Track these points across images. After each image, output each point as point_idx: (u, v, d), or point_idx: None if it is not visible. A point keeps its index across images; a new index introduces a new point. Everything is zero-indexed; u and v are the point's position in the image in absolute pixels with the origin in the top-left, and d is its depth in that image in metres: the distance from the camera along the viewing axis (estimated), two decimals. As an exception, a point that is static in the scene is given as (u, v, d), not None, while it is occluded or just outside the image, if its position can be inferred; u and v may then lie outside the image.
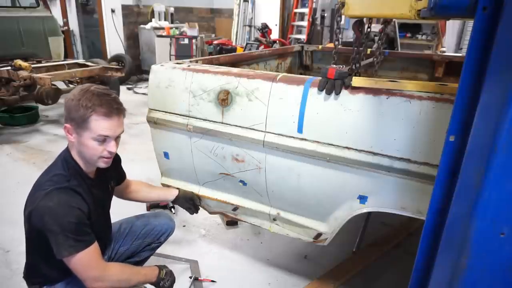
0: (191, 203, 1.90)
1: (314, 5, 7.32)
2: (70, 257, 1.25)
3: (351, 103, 1.37)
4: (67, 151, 1.40)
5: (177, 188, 1.92)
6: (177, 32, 7.05)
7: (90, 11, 7.75)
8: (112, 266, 1.40)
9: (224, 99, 1.62)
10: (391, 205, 1.42)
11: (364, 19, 1.74)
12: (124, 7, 7.27)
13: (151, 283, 1.54)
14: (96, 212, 1.44)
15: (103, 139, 1.33)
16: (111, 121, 1.33)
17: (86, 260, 1.28)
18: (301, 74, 3.11)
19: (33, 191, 1.33)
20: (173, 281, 1.61)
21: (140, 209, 2.40)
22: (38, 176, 1.41)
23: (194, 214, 1.95)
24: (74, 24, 7.51)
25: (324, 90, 1.41)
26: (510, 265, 0.76)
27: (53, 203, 1.24)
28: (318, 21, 7.31)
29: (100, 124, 1.31)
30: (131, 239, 1.76)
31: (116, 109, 1.34)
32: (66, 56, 6.04)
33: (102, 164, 1.39)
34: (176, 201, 1.89)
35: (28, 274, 1.47)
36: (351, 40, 4.85)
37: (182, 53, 6.34)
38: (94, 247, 1.31)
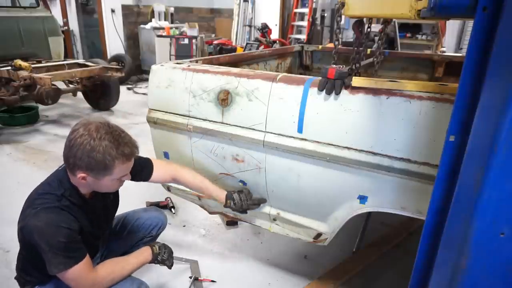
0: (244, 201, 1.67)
1: (314, 5, 7.31)
2: (61, 274, 1.27)
3: (351, 103, 1.37)
4: (65, 174, 1.37)
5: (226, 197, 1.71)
6: (177, 32, 7.04)
7: (90, 11, 7.74)
8: (101, 270, 1.38)
9: (224, 99, 1.62)
10: (391, 205, 1.42)
11: (364, 19, 1.74)
12: (124, 7, 7.27)
13: (150, 262, 1.54)
14: (96, 224, 1.48)
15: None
16: (131, 162, 1.36)
17: (76, 275, 1.29)
18: (301, 74, 3.11)
19: (25, 207, 1.32)
20: (170, 251, 1.61)
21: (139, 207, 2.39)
22: (38, 176, 1.41)
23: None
24: (74, 24, 7.51)
25: (324, 90, 1.41)
26: (510, 265, 0.76)
27: (42, 223, 1.24)
28: (318, 21, 7.30)
29: (122, 169, 1.33)
30: (122, 234, 1.76)
31: (135, 150, 1.35)
32: (66, 56, 6.04)
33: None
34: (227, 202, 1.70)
35: (20, 277, 1.49)
36: (351, 40, 4.86)
37: (182, 53, 6.34)
38: (85, 261, 1.31)
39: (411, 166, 1.31)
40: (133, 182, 1.58)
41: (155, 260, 1.55)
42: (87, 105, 5.49)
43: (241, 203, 1.67)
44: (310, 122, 1.46)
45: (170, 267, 1.62)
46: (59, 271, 1.26)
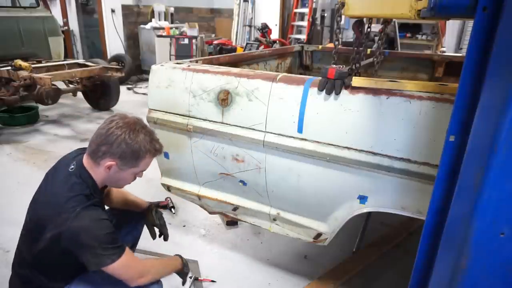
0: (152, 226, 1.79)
1: (314, 5, 7.31)
2: (113, 264, 1.30)
3: (351, 103, 1.37)
4: (83, 170, 1.38)
5: (149, 206, 1.81)
6: (177, 32, 7.04)
7: (90, 11, 7.74)
8: (146, 261, 1.49)
9: (224, 99, 1.62)
10: (391, 205, 1.42)
11: (364, 19, 1.74)
12: (124, 7, 7.26)
13: (177, 271, 1.61)
14: None
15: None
16: (153, 159, 1.44)
17: (126, 262, 1.34)
18: (301, 74, 3.11)
19: (55, 213, 1.30)
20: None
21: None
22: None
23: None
24: (74, 24, 7.51)
25: (324, 90, 1.41)
26: (510, 265, 0.76)
27: (86, 221, 1.28)
28: (318, 21, 7.30)
29: (148, 163, 1.42)
30: None
31: (162, 148, 1.45)
32: (66, 56, 6.03)
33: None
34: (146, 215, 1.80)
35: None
36: (351, 40, 4.86)
37: (182, 53, 6.34)
38: (128, 249, 1.37)
39: (411, 166, 1.31)
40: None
41: (182, 270, 1.62)
42: (87, 105, 5.49)
43: (161, 214, 1.81)
44: (310, 122, 1.46)
45: (184, 283, 1.68)
46: (112, 261, 1.29)
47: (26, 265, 1.42)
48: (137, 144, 1.33)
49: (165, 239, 1.80)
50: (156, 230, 1.81)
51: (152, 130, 1.45)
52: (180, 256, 1.65)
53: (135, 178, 1.47)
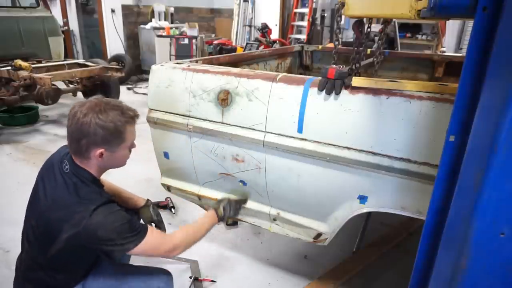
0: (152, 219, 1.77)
1: (314, 5, 7.31)
2: (136, 248, 1.31)
3: (351, 103, 1.37)
4: (78, 168, 1.36)
5: (146, 203, 1.79)
6: (177, 32, 7.04)
7: (90, 11, 7.74)
8: (178, 233, 1.49)
9: (224, 99, 1.62)
10: (391, 205, 1.42)
11: (364, 19, 1.74)
12: (124, 7, 7.26)
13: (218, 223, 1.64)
14: None
15: (132, 144, 1.42)
16: (135, 126, 1.42)
17: (152, 242, 1.35)
18: (301, 74, 3.11)
19: (68, 214, 1.29)
20: (236, 206, 1.73)
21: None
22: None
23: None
24: (74, 24, 7.51)
25: (324, 90, 1.41)
26: (510, 265, 0.76)
27: (100, 217, 1.28)
28: (318, 21, 7.30)
29: (132, 132, 1.39)
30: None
31: (136, 113, 1.42)
32: (66, 56, 6.04)
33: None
34: (142, 210, 1.78)
35: None
36: (351, 40, 4.86)
37: (182, 53, 6.34)
38: (151, 229, 1.37)
39: (411, 166, 1.31)
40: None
41: (222, 220, 1.65)
42: (87, 105, 5.49)
43: (157, 211, 1.80)
44: (310, 122, 1.46)
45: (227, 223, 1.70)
46: (135, 245, 1.30)
47: (39, 268, 1.41)
48: (111, 122, 1.29)
49: None
50: (153, 226, 1.79)
51: (116, 101, 1.40)
52: (217, 208, 1.66)
53: (130, 152, 1.45)
